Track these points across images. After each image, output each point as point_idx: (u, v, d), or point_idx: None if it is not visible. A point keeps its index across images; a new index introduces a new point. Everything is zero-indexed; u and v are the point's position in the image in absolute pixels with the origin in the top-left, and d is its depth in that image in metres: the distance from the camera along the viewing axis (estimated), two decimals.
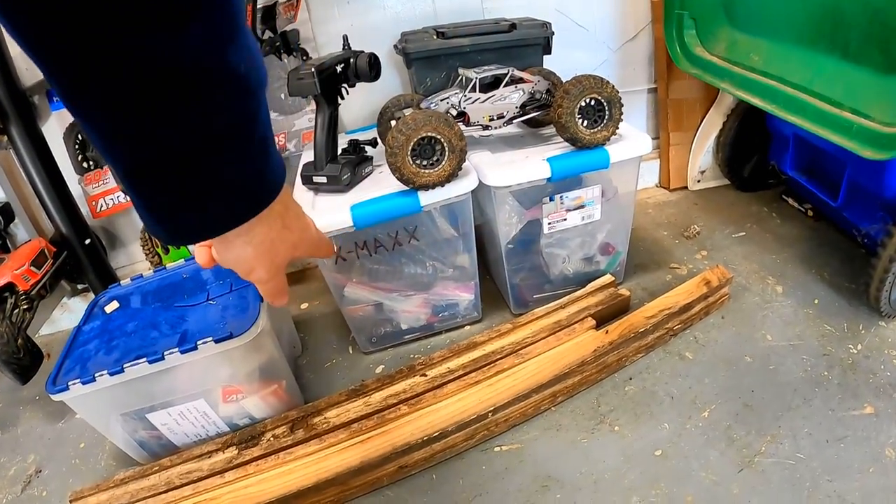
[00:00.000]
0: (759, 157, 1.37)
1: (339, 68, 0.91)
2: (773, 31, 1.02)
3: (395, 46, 1.13)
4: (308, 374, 1.07)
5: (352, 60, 0.91)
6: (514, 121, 0.97)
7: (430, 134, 0.83)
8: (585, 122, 0.91)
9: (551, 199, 0.97)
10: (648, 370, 0.95)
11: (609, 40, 1.35)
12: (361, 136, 1.03)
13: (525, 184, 0.92)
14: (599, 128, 0.92)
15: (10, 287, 1.03)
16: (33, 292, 1.06)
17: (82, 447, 0.98)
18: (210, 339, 0.79)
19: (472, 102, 0.92)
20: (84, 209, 1.22)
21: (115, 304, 0.95)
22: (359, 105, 1.24)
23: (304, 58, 1.18)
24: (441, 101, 0.91)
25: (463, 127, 0.90)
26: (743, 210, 1.37)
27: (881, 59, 0.80)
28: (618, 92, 0.91)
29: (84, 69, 0.27)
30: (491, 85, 0.94)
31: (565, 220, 1.01)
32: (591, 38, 1.33)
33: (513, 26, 1.08)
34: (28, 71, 1.10)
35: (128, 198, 1.25)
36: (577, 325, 0.97)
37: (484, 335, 0.99)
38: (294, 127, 1.25)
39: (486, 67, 0.94)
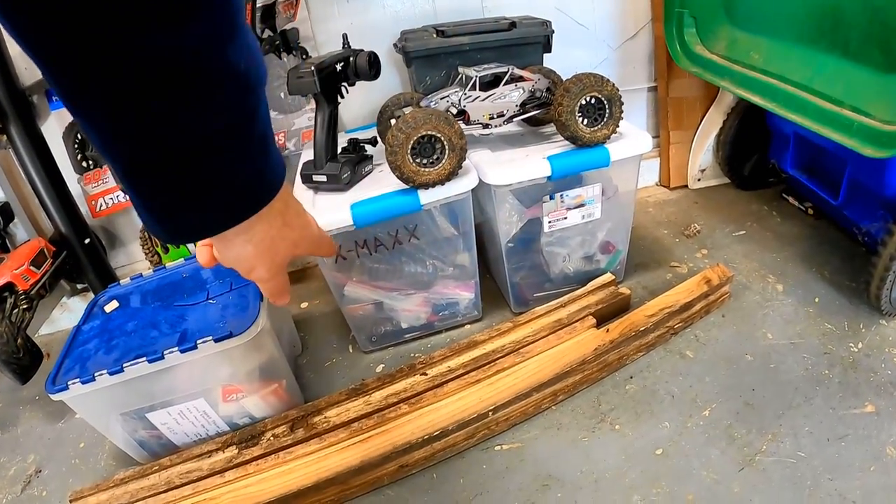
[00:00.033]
0: (760, 156, 1.37)
1: (338, 67, 0.91)
2: (774, 29, 1.02)
3: (395, 45, 1.12)
4: (308, 374, 1.06)
5: (351, 59, 0.91)
6: (514, 119, 0.97)
7: (430, 132, 0.82)
8: (586, 121, 0.91)
9: (551, 198, 0.97)
10: (649, 369, 0.95)
11: (609, 39, 1.35)
12: (361, 135, 1.02)
13: (525, 182, 0.92)
14: (600, 126, 0.92)
15: (9, 287, 1.03)
16: (33, 292, 1.06)
17: (82, 447, 0.98)
18: (210, 338, 0.79)
19: (472, 101, 0.92)
20: (83, 208, 1.22)
21: (114, 304, 0.95)
22: (358, 104, 1.23)
23: (304, 56, 1.18)
24: (441, 99, 0.91)
25: (463, 125, 0.90)
26: (743, 208, 1.37)
27: (881, 58, 0.80)
28: (618, 90, 0.90)
29: (83, 68, 0.27)
30: (491, 83, 0.94)
31: (565, 218, 1.01)
32: (591, 36, 1.33)
33: (513, 25, 1.07)
34: (27, 70, 1.10)
35: (127, 197, 1.25)
36: (577, 323, 0.97)
37: (484, 334, 0.99)
38: (294, 126, 1.25)
39: (486, 66, 0.94)
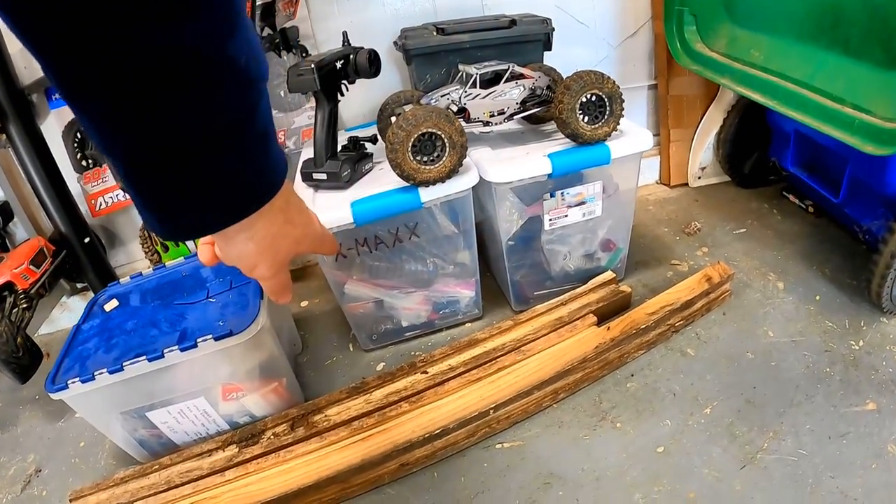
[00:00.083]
0: (760, 154, 1.37)
1: (338, 65, 0.90)
2: (774, 26, 1.02)
3: (395, 43, 1.12)
4: (308, 372, 1.06)
5: (351, 57, 0.91)
6: (515, 117, 0.97)
7: (430, 130, 0.82)
8: (586, 118, 0.91)
9: (552, 196, 0.97)
10: (650, 367, 0.95)
11: (609, 37, 1.35)
12: (361, 133, 1.02)
13: (526, 180, 0.92)
14: (600, 123, 0.91)
15: (9, 286, 1.02)
16: (32, 291, 1.06)
17: (82, 446, 0.98)
18: (210, 336, 0.79)
19: (473, 98, 0.92)
20: (83, 207, 1.22)
21: (114, 303, 0.95)
22: (358, 102, 1.23)
23: (304, 55, 1.18)
24: (441, 97, 0.91)
25: (463, 123, 0.89)
26: (744, 207, 1.36)
27: (882, 55, 0.80)
28: (619, 87, 0.90)
29: (83, 64, 0.27)
30: (491, 81, 0.94)
31: (566, 216, 1.00)
32: (591, 34, 1.33)
33: (513, 22, 1.07)
34: (27, 69, 1.10)
35: (127, 196, 1.25)
36: (578, 321, 0.97)
37: (485, 332, 0.99)
38: (294, 124, 1.25)
39: (486, 63, 0.94)
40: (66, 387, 0.78)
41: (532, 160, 0.92)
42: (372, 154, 1.00)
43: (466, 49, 1.06)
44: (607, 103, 0.90)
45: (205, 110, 0.30)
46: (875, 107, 0.81)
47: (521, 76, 0.95)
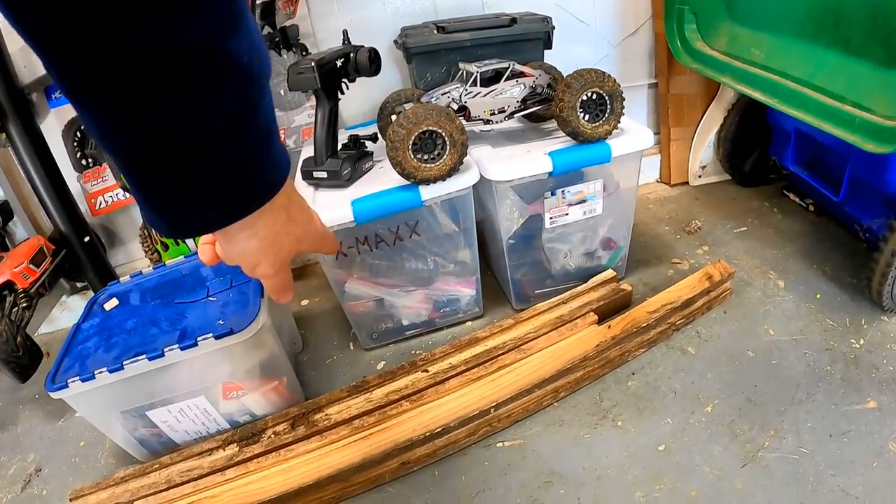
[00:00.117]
0: (760, 153, 1.37)
1: (339, 63, 0.90)
2: (775, 25, 1.01)
3: (395, 41, 1.12)
4: (309, 371, 1.06)
5: (352, 55, 0.91)
6: (515, 115, 0.97)
7: (431, 128, 0.82)
8: (587, 116, 0.91)
9: (553, 194, 0.97)
10: (651, 365, 0.95)
11: (609, 35, 1.35)
12: (361, 132, 1.02)
13: (526, 178, 0.92)
14: (601, 122, 0.91)
15: (8, 285, 1.02)
16: (32, 290, 1.05)
17: (82, 445, 0.98)
18: (210, 335, 0.79)
19: (473, 96, 0.92)
20: (83, 207, 1.22)
21: (114, 302, 0.95)
22: (358, 101, 1.23)
23: (304, 53, 1.18)
24: (442, 95, 0.91)
25: (464, 121, 0.89)
26: (744, 205, 1.36)
27: (883, 53, 0.80)
28: (619, 86, 0.90)
29: (83, 59, 0.27)
30: (492, 79, 0.94)
31: (567, 214, 1.00)
32: (591, 33, 1.33)
33: (513, 21, 1.07)
34: (26, 69, 1.10)
35: (127, 195, 1.25)
36: (579, 320, 0.97)
37: (485, 330, 0.99)
38: (294, 123, 1.25)
39: (486, 61, 0.94)
40: (66, 386, 0.77)
41: (533, 158, 0.92)
42: (372, 152, 1.00)
43: (467, 47, 1.06)
44: (608, 101, 0.90)
45: (207, 108, 0.30)
46: (875, 105, 0.81)
47: (522, 74, 0.95)
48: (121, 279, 1.00)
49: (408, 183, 0.88)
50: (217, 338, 0.79)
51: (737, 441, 0.81)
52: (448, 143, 0.84)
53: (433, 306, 1.07)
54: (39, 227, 1.24)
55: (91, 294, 1.20)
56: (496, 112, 0.95)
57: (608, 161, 0.94)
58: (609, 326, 0.94)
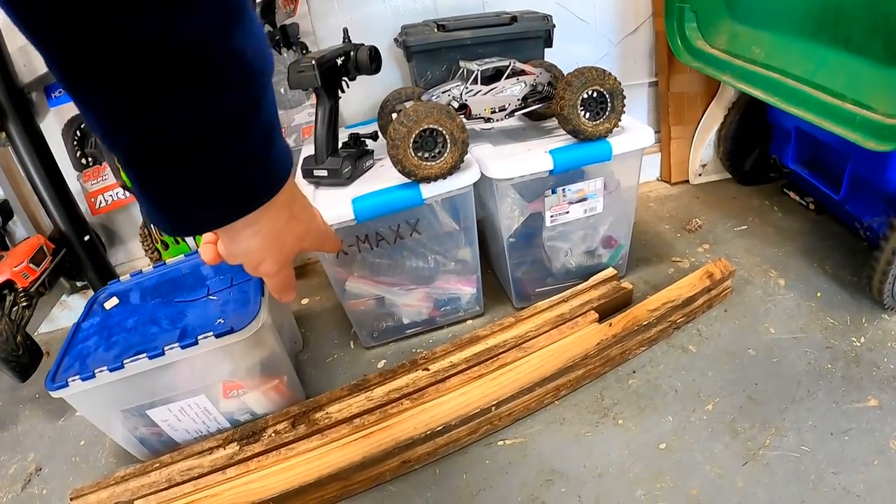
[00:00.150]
0: (761, 151, 1.36)
1: (339, 61, 0.90)
2: (775, 23, 1.01)
3: (396, 40, 1.12)
4: (309, 370, 1.06)
5: (352, 53, 0.90)
6: (516, 113, 0.96)
7: (431, 126, 0.82)
8: (588, 114, 0.90)
9: (553, 192, 0.97)
10: (652, 363, 0.95)
11: (610, 34, 1.35)
12: (362, 131, 1.02)
13: (527, 176, 0.92)
14: (602, 120, 0.91)
15: (8, 284, 1.02)
16: (32, 289, 1.05)
17: (82, 445, 0.98)
18: (210, 333, 0.79)
19: (474, 94, 0.92)
20: (83, 206, 1.22)
21: (114, 301, 0.95)
22: (359, 100, 1.23)
23: (304, 52, 1.18)
24: (442, 93, 0.90)
25: (464, 120, 0.89)
26: (744, 203, 1.36)
27: (883, 51, 0.80)
28: (620, 84, 0.90)
29: (83, 54, 0.27)
30: (492, 77, 0.93)
31: (567, 212, 1.00)
32: (591, 31, 1.33)
33: (514, 19, 1.07)
34: (26, 67, 1.10)
35: (126, 194, 1.25)
36: (579, 318, 0.97)
37: (486, 329, 0.99)
38: (294, 121, 1.25)
39: (487, 60, 0.93)
40: (66, 385, 0.77)
41: (533, 156, 0.92)
42: (373, 151, 1.00)
43: (467, 46, 1.06)
44: (609, 99, 0.90)
45: (208, 105, 0.30)
46: (876, 103, 0.81)
47: (523, 72, 0.95)
48: (121, 278, 1.00)
49: (408, 181, 0.87)
50: (217, 336, 0.79)
51: (738, 439, 0.81)
52: (449, 141, 0.84)
53: (434, 305, 1.07)
54: (39, 227, 1.24)
55: (91, 293, 1.19)
56: (497, 110, 0.94)
57: (609, 159, 0.94)
58: (610, 325, 0.94)
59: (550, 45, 1.12)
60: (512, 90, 0.94)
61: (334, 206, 0.86)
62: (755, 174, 1.41)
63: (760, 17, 1.05)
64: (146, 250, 1.25)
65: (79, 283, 1.31)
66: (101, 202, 1.26)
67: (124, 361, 0.77)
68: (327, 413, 0.87)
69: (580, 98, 0.88)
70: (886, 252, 0.90)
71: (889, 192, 0.96)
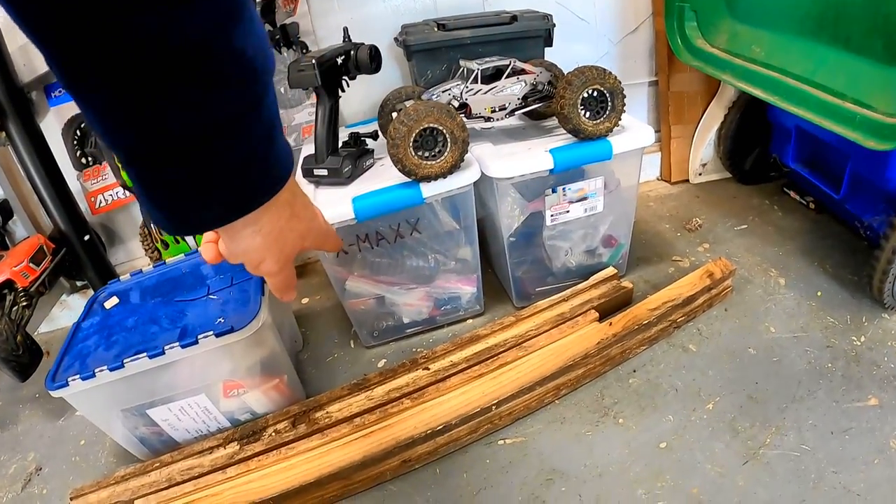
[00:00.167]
0: (761, 150, 1.36)
1: (339, 60, 0.90)
2: (775, 22, 1.01)
3: (396, 39, 1.12)
4: (310, 369, 1.06)
5: (352, 52, 0.90)
6: (516, 112, 0.96)
7: (432, 125, 0.82)
8: (588, 113, 0.90)
9: (554, 191, 0.97)
10: (652, 362, 0.95)
11: (610, 33, 1.35)
12: (362, 130, 1.02)
13: (527, 175, 0.92)
14: (602, 119, 0.91)
15: (8, 284, 1.02)
16: (32, 289, 1.05)
17: (82, 444, 0.98)
18: (211, 333, 0.79)
19: (474, 94, 0.91)
20: (83, 205, 1.22)
21: (114, 300, 0.95)
22: (359, 99, 1.23)
23: (304, 51, 1.17)
24: (443, 92, 0.90)
25: (464, 119, 0.89)
26: (744, 203, 1.36)
27: (883, 50, 0.80)
28: (620, 83, 0.90)
29: (82, 52, 0.27)
30: (493, 76, 0.93)
31: (568, 212, 1.00)
32: (591, 30, 1.33)
33: (514, 18, 1.07)
34: (26, 67, 1.10)
35: (126, 194, 1.24)
36: (580, 317, 0.97)
37: (487, 328, 0.99)
38: (294, 121, 1.25)
39: (487, 59, 0.93)
40: (66, 384, 0.77)
41: (534, 156, 0.92)
42: (373, 150, 1.00)
43: (467, 45, 1.06)
44: (609, 98, 0.90)
45: (209, 103, 0.30)
46: (876, 102, 0.81)
47: (523, 72, 0.95)
48: (121, 277, 1.00)
49: (409, 180, 0.87)
50: (218, 336, 0.79)
51: (738, 438, 0.81)
52: (449, 140, 0.84)
53: (434, 304, 1.07)
54: (39, 226, 1.24)
55: (91, 293, 1.20)
56: (497, 109, 0.94)
57: (609, 158, 0.94)
58: (610, 324, 0.94)
59: (550, 45, 1.12)
60: (512, 89, 0.94)
61: (334, 205, 0.86)
62: (755, 173, 1.41)
63: (760, 16, 1.05)
64: (146, 250, 1.25)
65: (79, 283, 1.31)
66: (101, 202, 1.26)
67: (124, 361, 0.77)
68: (327, 412, 0.87)
69: (580, 97, 0.88)
70: (887, 251, 0.90)
71: (889, 192, 0.96)
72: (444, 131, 0.83)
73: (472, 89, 0.91)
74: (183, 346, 0.78)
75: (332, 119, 0.92)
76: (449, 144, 0.84)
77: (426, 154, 0.85)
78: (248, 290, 0.89)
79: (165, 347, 0.78)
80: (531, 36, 1.09)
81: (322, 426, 0.85)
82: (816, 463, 0.76)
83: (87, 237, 1.18)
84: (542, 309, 1.01)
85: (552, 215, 1.00)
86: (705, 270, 1.02)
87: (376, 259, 0.98)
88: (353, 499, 0.82)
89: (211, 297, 0.91)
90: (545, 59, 1.10)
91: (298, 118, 1.25)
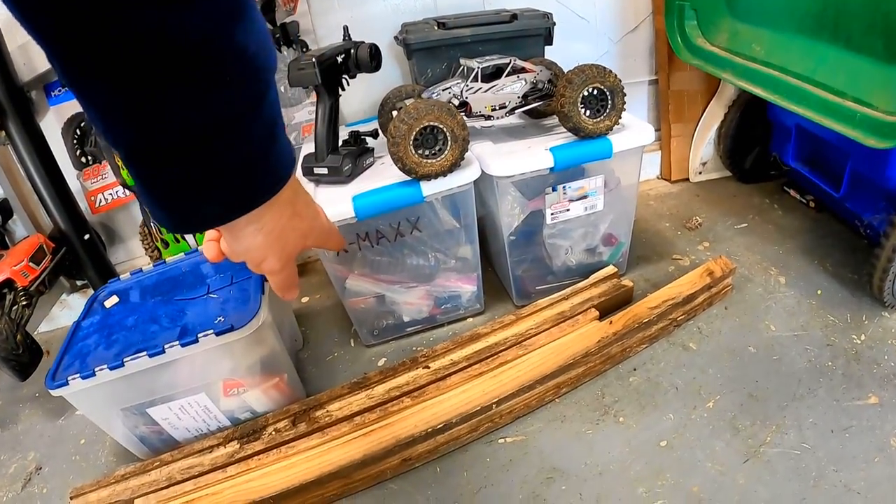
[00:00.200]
0: (761, 149, 1.36)
1: (339, 59, 0.90)
2: (775, 21, 1.01)
3: (396, 37, 1.12)
4: (310, 368, 1.06)
5: (352, 51, 0.90)
6: (516, 111, 0.96)
7: (432, 123, 0.82)
8: (588, 112, 0.90)
9: (554, 190, 0.97)
10: (652, 361, 0.95)
11: (610, 32, 1.35)
12: (362, 128, 1.02)
13: (528, 174, 0.92)
14: (602, 117, 0.91)
15: (8, 283, 1.02)
16: (32, 288, 1.05)
17: (82, 443, 0.98)
18: (211, 331, 0.78)
19: (475, 92, 0.91)
20: (83, 205, 1.22)
21: (114, 299, 0.95)
22: (359, 98, 1.23)
23: (304, 50, 1.17)
24: (443, 91, 0.90)
25: (465, 117, 0.89)
26: (745, 201, 1.36)
27: (884, 49, 0.80)
28: (620, 81, 0.90)
29: (83, 47, 0.27)
30: (493, 75, 0.93)
31: (568, 210, 1.00)
32: (591, 29, 1.33)
33: (514, 17, 1.07)
34: (26, 66, 1.10)
35: (126, 193, 1.24)
36: (580, 316, 0.97)
37: (487, 327, 0.99)
38: (294, 120, 1.25)
39: (487, 57, 0.93)
40: (66, 383, 0.77)
41: (534, 154, 0.92)
42: (373, 148, 1.00)
43: (467, 43, 1.06)
44: (609, 97, 0.90)
45: (211, 100, 0.30)
46: (876, 100, 0.81)
47: (523, 70, 0.95)
48: (121, 277, 0.99)
49: (409, 179, 0.87)
50: (218, 334, 0.79)
51: (738, 436, 0.81)
52: (449, 138, 0.84)
53: (434, 303, 1.07)
54: (39, 225, 1.24)
55: (91, 292, 1.20)
56: (497, 108, 0.94)
57: (609, 157, 0.94)
58: (610, 322, 0.93)
59: (551, 43, 1.12)
60: (512, 88, 0.94)
61: (335, 203, 0.86)
62: (755, 172, 1.41)
63: (760, 14, 1.05)
64: (146, 249, 1.25)
65: (79, 282, 1.31)
66: (100, 201, 1.25)
67: (124, 360, 0.77)
68: (328, 411, 0.87)
69: (580, 95, 0.88)
70: (887, 250, 0.90)
71: (889, 190, 0.96)
72: (445, 130, 0.83)
73: (472, 88, 0.91)
74: (183, 345, 0.78)
75: (333, 117, 0.92)
76: (449, 143, 0.84)
77: (426, 152, 0.84)
78: (248, 289, 0.89)
79: (165, 346, 0.78)
80: (531, 34, 1.09)
81: (322, 425, 0.85)
82: (817, 461, 0.76)
83: (86, 236, 1.18)
84: (543, 307, 1.01)
85: (552, 214, 1.00)
86: (705, 269, 1.02)
87: (376, 258, 0.98)
88: (354, 497, 0.82)
89: (211, 295, 0.91)
90: (545, 57, 1.10)
91: (298, 117, 1.25)
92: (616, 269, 1.08)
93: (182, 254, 1.00)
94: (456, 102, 0.91)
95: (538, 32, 1.09)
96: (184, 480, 0.81)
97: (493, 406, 0.84)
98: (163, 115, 0.29)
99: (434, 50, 1.06)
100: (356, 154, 0.94)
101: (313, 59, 0.84)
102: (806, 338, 0.95)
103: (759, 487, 0.74)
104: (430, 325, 1.09)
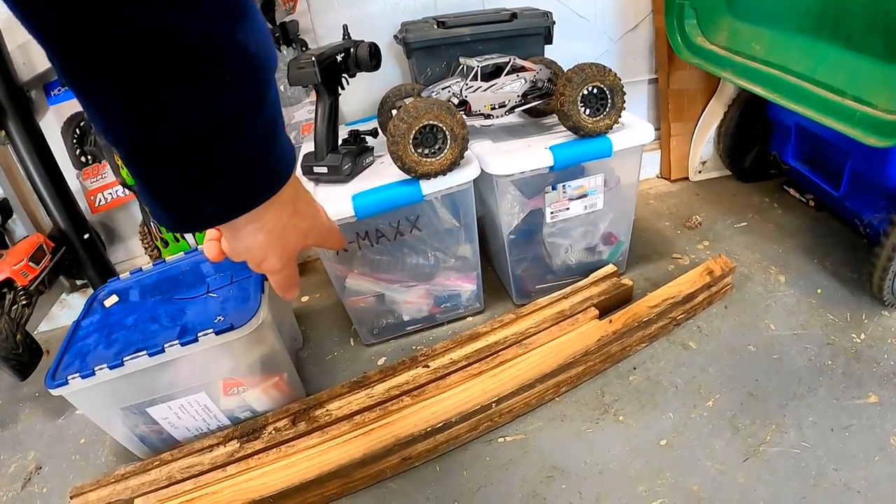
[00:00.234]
0: (761, 148, 1.36)
1: (339, 58, 0.90)
2: (775, 20, 1.01)
3: (396, 36, 1.12)
4: (310, 367, 1.06)
5: (352, 50, 0.90)
6: (516, 110, 0.96)
7: (432, 122, 0.82)
8: (588, 111, 0.90)
9: (553, 189, 0.97)
10: (652, 360, 0.95)
11: (610, 30, 1.35)
12: (362, 127, 1.02)
13: (527, 172, 0.92)
14: (602, 116, 0.91)
15: (8, 283, 1.02)
16: (32, 288, 1.05)
17: (82, 443, 0.98)
18: (211, 331, 0.78)
19: (474, 91, 0.91)
20: (83, 204, 1.22)
21: (114, 298, 0.95)
22: (358, 97, 1.23)
23: (304, 49, 1.17)
24: (442, 90, 0.90)
25: (464, 116, 0.89)
26: (744, 200, 1.36)
27: (883, 48, 0.80)
28: (620, 80, 0.90)
29: (82, 45, 0.27)
30: (492, 74, 0.93)
31: (568, 209, 1.00)
32: (591, 28, 1.33)
33: (513, 16, 1.07)
34: (25, 66, 1.10)
35: (126, 192, 1.24)
36: (580, 314, 0.97)
37: (487, 326, 0.99)
38: (294, 119, 1.24)
39: (487, 56, 0.93)
40: (66, 383, 0.77)
41: (533, 153, 0.92)
42: (373, 148, 1.00)
43: (467, 42, 1.06)
44: (609, 96, 0.90)
45: (211, 99, 0.30)
46: (876, 99, 0.81)
47: (523, 69, 0.94)
48: (120, 276, 0.99)
49: (408, 177, 0.87)
50: (217, 333, 0.79)
51: (738, 435, 0.81)
52: (449, 137, 0.84)
53: (434, 301, 1.07)
54: (39, 225, 1.24)
55: (91, 291, 1.20)
56: (497, 107, 0.94)
57: (609, 155, 0.94)
58: (610, 321, 0.93)
59: (550, 42, 1.12)
60: (512, 87, 0.94)
61: (334, 202, 0.86)
62: (755, 171, 1.41)
63: (760, 13, 1.05)
64: (146, 248, 1.25)
65: (78, 282, 1.31)
66: (100, 200, 1.25)
67: (124, 359, 0.77)
68: (327, 410, 0.87)
69: (580, 94, 0.88)
70: (887, 249, 0.90)
71: (889, 189, 0.96)
72: (444, 128, 0.83)
73: (471, 86, 0.91)
74: (183, 344, 0.78)
75: (332, 116, 0.91)
76: (449, 141, 0.84)
77: (426, 151, 0.84)
78: (248, 288, 0.89)
79: (165, 345, 0.78)
80: (531, 33, 1.09)
81: (322, 424, 0.85)
82: (817, 460, 0.76)
83: (86, 236, 1.18)
84: (542, 306, 1.01)
85: (552, 212, 1.00)
86: (705, 268, 1.02)
87: (376, 257, 0.98)
88: (354, 496, 0.82)
89: (211, 294, 0.91)
90: (545, 56, 1.10)
91: (298, 116, 1.25)
92: (616, 268, 1.08)
93: (182, 253, 1.00)
94: (455, 101, 0.91)
95: (538, 31, 1.09)
96: (184, 480, 0.81)
97: (493, 405, 0.84)
98: (163, 114, 0.29)
99: (434, 49, 1.06)
100: (356, 153, 0.94)
101: (313, 59, 0.84)
102: (806, 337, 0.95)
103: (758, 486, 0.74)
104: (429, 324, 1.09)
